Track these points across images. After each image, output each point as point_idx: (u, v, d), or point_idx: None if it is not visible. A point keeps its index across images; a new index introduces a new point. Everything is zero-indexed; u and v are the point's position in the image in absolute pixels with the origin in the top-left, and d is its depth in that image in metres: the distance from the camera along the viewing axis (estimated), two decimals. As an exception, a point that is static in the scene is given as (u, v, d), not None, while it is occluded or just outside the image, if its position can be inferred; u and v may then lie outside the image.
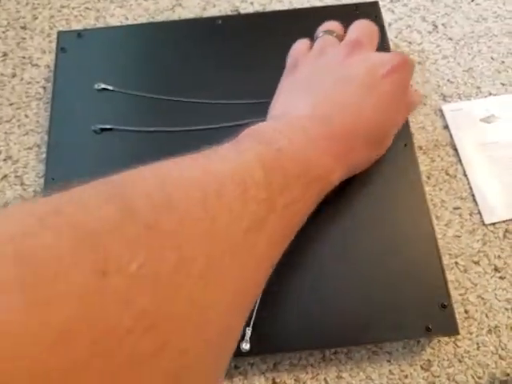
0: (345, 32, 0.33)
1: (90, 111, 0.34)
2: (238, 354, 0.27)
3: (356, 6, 0.37)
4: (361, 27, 0.32)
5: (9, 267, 0.13)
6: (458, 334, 0.29)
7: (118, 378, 0.14)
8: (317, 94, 0.28)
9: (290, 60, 0.33)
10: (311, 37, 0.34)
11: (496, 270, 0.32)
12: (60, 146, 0.34)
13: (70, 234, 0.15)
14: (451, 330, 0.28)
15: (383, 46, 0.36)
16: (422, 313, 0.29)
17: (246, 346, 0.28)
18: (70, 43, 0.37)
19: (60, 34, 0.37)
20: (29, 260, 0.14)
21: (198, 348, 0.17)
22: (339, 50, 0.30)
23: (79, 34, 0.37)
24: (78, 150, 0.34)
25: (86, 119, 0.34)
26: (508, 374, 0.30)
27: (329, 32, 0.32)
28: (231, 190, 0.20)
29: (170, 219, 0.17)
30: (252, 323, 0.28)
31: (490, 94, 0.38)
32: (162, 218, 0.17)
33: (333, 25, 0.33)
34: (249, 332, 0.28)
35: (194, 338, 0.17)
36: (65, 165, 0.33)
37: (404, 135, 0.34)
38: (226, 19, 0.37)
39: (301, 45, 0.33)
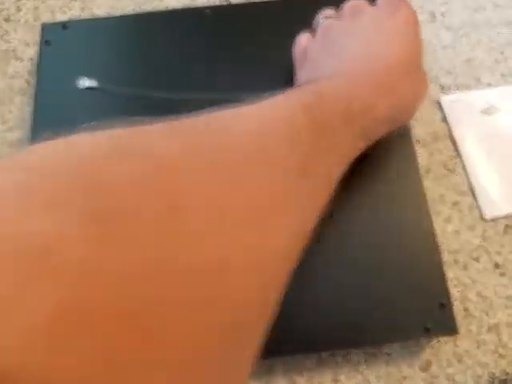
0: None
1: (75, 108, 0.33)
2: None
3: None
4: None
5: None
6: (458, 333, 0.28)
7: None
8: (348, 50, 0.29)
9: (297, 50, 0.32)
10: (306, 27, 0.33)
11: (496, 266, 0.31)
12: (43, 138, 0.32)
13: (145, 162, 0.15)
14: (450, 329, 0.27)
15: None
16: (421, 313, 0.27)
17: None
18: (54, 35, 0.35)
19: (44, 25, 0.35)
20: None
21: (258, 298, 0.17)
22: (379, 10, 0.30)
23: (64, 25, 0.35)
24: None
25: (70, 116, 0.33)
26: (508, 373, 0.29)
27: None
28: (279, 136, 0.20)
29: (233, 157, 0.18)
30: None
31: (490, 85, 0.37)
32: (224, 155, 0.18)
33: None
34: None
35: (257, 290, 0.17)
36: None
37: (402, 128, 0.32)
38: (215, 9, 0.36)
39: (304, 37, 0.32)
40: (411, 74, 0.29)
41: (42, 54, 0.34)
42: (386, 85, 0.27)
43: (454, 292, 0.30)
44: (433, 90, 0.37)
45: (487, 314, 0.30)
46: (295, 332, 0.27)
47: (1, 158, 0.34)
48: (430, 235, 0.30)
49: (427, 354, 0.29)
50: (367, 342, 0.28)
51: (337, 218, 0.30)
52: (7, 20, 0.40)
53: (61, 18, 0.40)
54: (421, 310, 0.27)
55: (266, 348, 0.26)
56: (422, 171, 0.33)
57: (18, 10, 0.41)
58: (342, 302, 0.28)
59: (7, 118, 0.36)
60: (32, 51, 0.38)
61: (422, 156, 0.34)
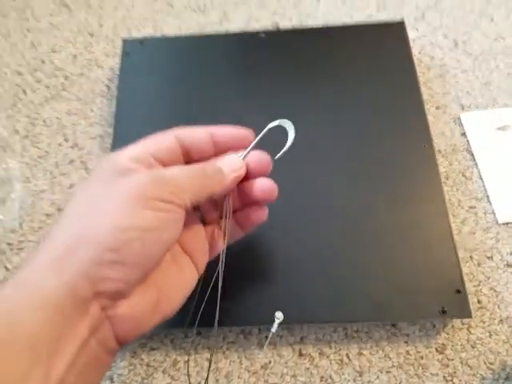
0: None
1: (150, 108, 0.34)
2: (272, 322, 0.27)
3: (385, 24, 0.36)
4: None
5: None
6: (471, 317, 0.27)
7: None
8: None
9: None
10: (341, 53, 0.33)
11: (508, 265, 0.30)
12: (123, 136, 0.33)
13: None
14: (465, 313, 0.27)
15: (407, 60, 0.35)
16: (439, 297, 0.27)
17: (279, 317, 0.27)
18: (133, 49, 0.37)
19: (125, 40, 0.37)
20: None
21: None
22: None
23: (141, 41, 0.37)
24: (140, 135, 0.33)
25: (146, 114, 0.34)
26: (517, 362, 0.28)
27: None
28: None
29: None
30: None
31: (506, 105, 0.36)
32: None
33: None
34: (280, 314, 0.27)
35: None
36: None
37: (424, 137, 0.32)
38: (268, 33, 0.37)
39: None
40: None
41: (122, 63, 0.36)
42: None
43: (469, 286, 0.30)
44: (454, 108, 0.36)
45: (499, 307, 0.29)
46: (326, 305, 0.27)
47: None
48: (448, 233, 0.29)
49: (443, 338, 0.28)
50: (392, 318, 0.28)
51: (370, 216, 0.30)
52: (91, 34, 0.42)
53: (136, 34, 0.42)
54: (440, 294, 0.27)
55: (301, 317, 0.27)
56: (442, 178, 0.33)
57: (100, 26, 0.43)
58: (371, 283, 0.28)
59: (89, 115, 0.38)
60: (111, 61, 0.40)
61: (443, 164, 0.34)
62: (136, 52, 0.37)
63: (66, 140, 0.37)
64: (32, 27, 0.43)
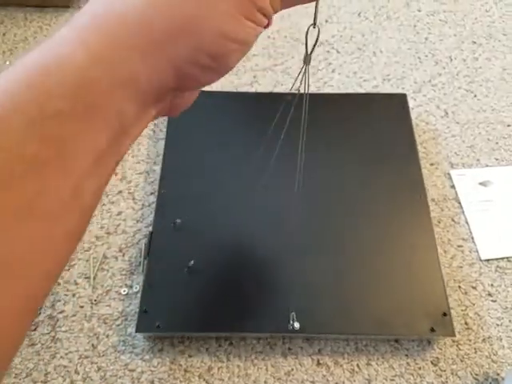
0: None
1: (194, 151, 0.46)
2: (290, 331, 0.36)
3: (390, 95, 0.50)
4: None
5: None
6: (455, 336, 0.37)
7: None
8: None
9: None
10: (352, 116, 0.46)
11: (489, 294, 0.41)
12: (171, 169, 0.44)
13: None
14: (450, 332, 0.37)
15: (407, 125, 0.48)
16: (429, 318, 0.37)
17: (296, 325, 0.36)
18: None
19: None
20: None
21: None
22: None
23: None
24: (185, 171, 0.44)
25: (191, 156, 0.45)
26: (498, 374, 0.37)
27: None
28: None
29: None
30: (293, 308, 0.36)
31: (487, 165, 0.49)
32: None
33: None
34: (292, 314, 0.36)
35: None
36: (174, 181, 0.44)
37: (419, 189, 0.44)
38: (293, 96, 0.49)
39: None
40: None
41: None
42: (160, 42, 0.19)
43: (458, 310, 0.40)
44: (445, 165, 0.49)
45: (482, 329, 0.39)
46: (337, 319, 0.37)
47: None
48: (437, 266, 0.40)
49: (437, 352, 0.38)
50: (392, 334, 0.37)
51: (374, 253, 0.40)
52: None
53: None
54: (429, 316, 0.37)
55: (315, 328, 0.36)
56: (435, 221, 0.44)
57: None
58: (373, 305, 0.38)
59: (136, 153, 0.49)
60: (157, 109, 0.52)
61: (436, 211, 0.45)
62: None
63: (116, 174, 0.47)
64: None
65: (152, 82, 0.19)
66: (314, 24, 0.25)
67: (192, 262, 0.39)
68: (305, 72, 0.30)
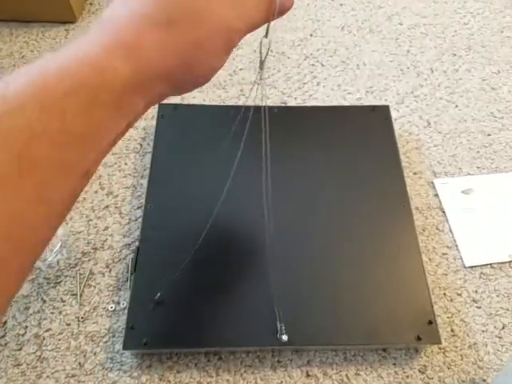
0: None
1: (180, 164, 0.46)
2: (279, 344, 0.37)
3: (373, 107, 0.51)
4: None
5: None
6: (441, 343, 0.38)
7: None
8: None
9: None
10: (337, 128, 0.48)
11: (474, 301, 0.42)
12: (157, 183, 0.45)
13: None
14: (436, 340, 0.38)
15: (390, 136, 0.49)
16: (415, 326, 0.38)
17: (284, 338, 0.37)
18: (167, 112, 0.50)
19: (160, 105, 0.50)
20: None
21: None
22: None
23: (175, 106, 0.50)
24: (171, 185, 0.45)
25: (177, 169, 0.46)
26: (484, 380, 0.38)
27: None
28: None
29: None
30: (282, 320, 0.37)
31: (469, 174, 0.51)
32: None
33: None
34: (281, 326, 0.37)
35: None
36: (161, 196, 0.44)
37: (403, 198, 0.45)
38: (280, 109, 0.51)
39: None
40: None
41: (157, 123, 0.49)
42: (134, 43, 0.22)
43: (444, 317, 0.41)
44: (428, 174, 0.50)
45: (468, 335, 0.40)
46: (325, 330, 0.38)
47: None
48: (422, 274, 0.41)
49: (424, 360, 0.39)
50: (378, 342, 0.38)
51: (359, 262, 0.41)
52: (124, 100, 0.55)
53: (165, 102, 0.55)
54: (415, 324, 0.38)
55: (304, 339, 0.37)
56: (419, 230, 0.46)
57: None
58: (360, 314, 0.38)
59: (123, 167, 0.49)
60: (144, 123, 0.53)
61: (420, 219, 0.47)
62: (170, 115, 0.50)
63: (102, 188, 0.48)
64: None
65: (157, 91, 0.25)
66: (266, 35, 0.29)
67: (158, 295, 0.39)
68: (260, 79, 0.35)
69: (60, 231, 0.45)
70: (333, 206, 0.45)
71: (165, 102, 0.54)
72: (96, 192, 0.48)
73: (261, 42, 0.30)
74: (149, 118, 0.53)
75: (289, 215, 0.44)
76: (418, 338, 0.37)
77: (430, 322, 0.38)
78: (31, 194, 0.20)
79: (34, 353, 0.39)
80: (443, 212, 0.47)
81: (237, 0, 0.25)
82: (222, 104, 0.54)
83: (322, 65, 0.59)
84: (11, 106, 0.19)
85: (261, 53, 0.31)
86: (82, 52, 0.22)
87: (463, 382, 0.38)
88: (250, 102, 0.54)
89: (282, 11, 0.27)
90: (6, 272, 0.20)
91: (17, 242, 0.20)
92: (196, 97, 0.55)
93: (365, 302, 0.39)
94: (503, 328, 0.41)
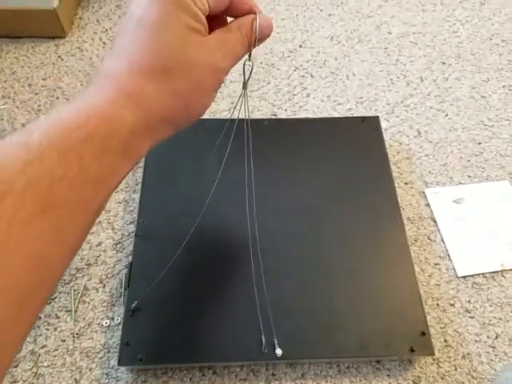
0: None
1: (173, 176, 0.47)
2: (273, 358, 0.37)
3: (363, 118, 0.52)
4: None
5: None
6: (434, 355, 0.38)
7: None
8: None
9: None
10: (327, 139, 0.49)
11: (467, 311, 0.43)
12: (149, 198, 0.46)
13: None
14: (429, 351, 0.38)
15: (381, 146, 0.50)
16: (408, 338, 0.39)
17: (279, 352, 0.37)
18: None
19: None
20: None
21: None
22: None
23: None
24: (163, 200, 0.46)
25: (169, 183, 0.47)
26: (478, 390, 0.39)
27: None
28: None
29: None
30: (275, 334, 0.38)
31: (460, 183, 0.52)
32: None
33: None
34: (275, 341, 0.37)
35: None
36: (153, 210, 0.45)
37: (394, 209, 0.46)
38: (271, 121, 0.52)
39: None
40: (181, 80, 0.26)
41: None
42: (138, 90, 0.25)
43: (437, 328, 0.42)
44: (419, 184, 0.51)
45: (461, 346, 0.41)
46: (319, 344, 0.38)
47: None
48: (415, 285, 0.42)
49: (418, 371, 0.39)
50: (371, 355, 0.39)
51: (350, 274, 0.42)
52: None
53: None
54: (408, 336, 0.39)
55: (298, 353, 0.37)
56: (412, 240, 0.46)
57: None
58: (353, 328, 0.39)
59: (115, 182, 0.50)
60: (135, 138, 0.53)
61: (412, 229, 0.48)
62: None
63: (95, 204, 0.48)
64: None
65: (160, 133, 0.28)
66: (249, 59, 0.31)
67: (135, 303, 0.39)
68: (244, 96, 0.38)
69: (53, 248, 0.46)
70: (323, 218, 0.45)
71: None
72: (88, 207, 0.48)
73: (244, 64, 0.31)
74: (140, 132, 0.53)
75: (278, 227, 0.44)
76: (412, 350, 0.38)
77: (423, 334, 0.39)
78: (51, 233, 0.22)
79: (30, 369, 0.39)
80: (435, 222, 0.48)
81: (222, 40, 0.28)
82: (213, 117, 0.55)
83: (312, 76, 0.60)
84: (35, 155, 0.21)
85: (244, 74, 0.33)
86: (91, 104, 0.24)
87: (457, 392, 0.39)
88: (236, 115, 0.56)
89: (262, 39, 0.30)
90: (25, 311, 0.22)
91: (37, 280, 0.22)
92: (187, 110, 0.56)
93: (357, 314, 0.40)
94: (496, 337, 0.41)
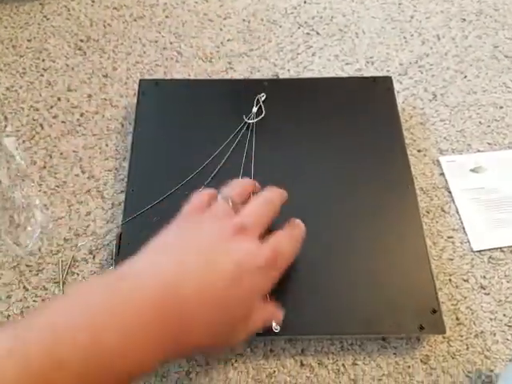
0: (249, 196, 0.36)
1: (163, 143, 0.45)
2: (272, 333, 0.35)
3: (374, 78, 0.49)
4: (255, 207, 0.34)
5: None
6: (445, 333, 0.37)
7: None
8: (175, 261, 0.29)
9: (183, 211, 0.34)
10: (335, 101, 0.46)
11: (482, 287, 0.41)
12: (139, 166, 0.44)
13: None
14: (440, 329, 0.37)
15: (393, 110, 0.47)
16: (417, 315, 0.37)
17: (276, 327, 0.35)
18: (148, 88, 0.48)
19: (141, 81, 0.49)
20: None
21: None
22: (220, 230, 0.31)
23: (156, 82, 0.49)
24: (154, 167, 0.44)
25: (160, 149, 0.45)
26: (492, 370, 0.37)
27: (225, 199, 0.34)
28: None
29: None
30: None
31: (478, 150, 0.49)
32: None
33: (235, 189, 0.35)
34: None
35: None
36: (143, 178, 0.43)
37: (407, 178, 0.44)
38: (270, 81, 0.49)
39: (198, 201, 0.34)
40: (216, 332, 0.29)
41: (139, 101, 0.47)
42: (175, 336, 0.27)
43: (448, 305, 0.40)
44: (433, 152, 0.49)
45: (474, 324, 0.39)
46: (321, 319, 0.37)
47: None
48: (426, 259, 0.40)
49: (426, 350, 0.38)
50: (378, 333, 0.37)
51: (360, 247, 0.40)
52: (105, 76, 0.54)
53: (147, 77, 0.53)
54: (418, 313, 0.37)
55: (297, 329, 0.36)
56: (423, 212, 0.44)
57: (114, 69, 0.54)
58: (360, 303, 0.37)
59: (104, 149, 0.48)
60: (125, 101, 0.51)
61: (424, 200, 0.45)
62: (151, 92, 0.48)
63: (83, 172, 0.47)
64: (48, 67, 0.54)
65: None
66: None
67: None
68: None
69: (40, 217, 0.44)
70: (330, 188, 0.43)
71: (146, 77, 0.54)
72: (77, 175, 0.47)
73: None
74: (130, 95, 0.51)
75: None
76: (421, 328, 0.36)
77: (434, 311, 0.37)
78: None
79: (14, 345, 0.39)
80: (449, 192, 0.46)
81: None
82: (209, 78, 0.52)
83: (318, 33, 0.57)
84: None
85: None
86: None
87: (469, 372, 0.37)
88: (238, 76, 0.53)
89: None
90: None
91: None
92: (180, 71, 0.53)
93: (363, 289, 0.38)
94: (513, 315, 0.40)
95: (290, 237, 0.34)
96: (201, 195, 0.35)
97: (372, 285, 0.38)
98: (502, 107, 0.52)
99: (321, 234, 0.41)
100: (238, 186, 0.36)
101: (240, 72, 0.53)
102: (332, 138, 0.46)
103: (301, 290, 0.38)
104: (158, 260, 0.29)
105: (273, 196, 0.35)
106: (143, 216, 0.41)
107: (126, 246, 0.40)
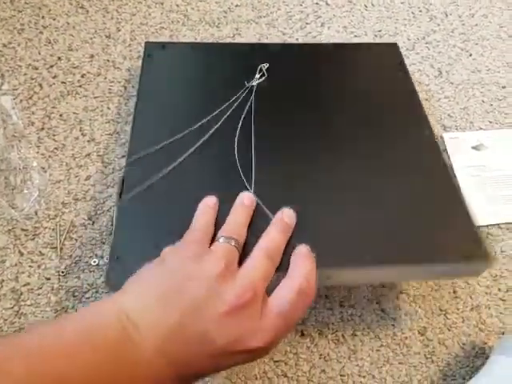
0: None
1: (168, 107, 0.41)
2: None
3: (383, 44, 0.46)
4: (254, 271, 0.28)
5: None
6: (492, 263, 0.32)
7: None
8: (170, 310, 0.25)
9: (181, 249, 0.29)
10: (344, 66, 0.43)
11: (479, 262, 0.39)
12: (142, 130, 0.39)
13: None
14: (487, 257, 0.31)
15: (404, 73, 0.43)
16: (460, 244, 0.32)
17: None
18: (155, 51, 0.43)
19: (147, 43, 0.44)
20: None
21: None
22: (224, 297, 0.25)
23: (163, 45, 0.44)
24: (157, 133, 0.39)
25: (164, 113, 0.40)
26: (485, 343, 0.36)
27: (228, 240, 0.29)
28: None
29: None
30: None
31: (481, 128, 0.46)
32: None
33: (235, 228, 0.31)
34: None
35: None
36: (145, 145, 0.39)
37: (426, 125, 0.39)
38: (276, 46, 0.45)
39: (195, 245, 0.29)
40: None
41: (144, 64, 0.43)
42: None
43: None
44: (437, 127, 0.46)
45: (471, 297, 0.38)
46: (352, 244, 0.32)
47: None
48: (459, 198, 0.35)
49: (424, 322, 0.36)
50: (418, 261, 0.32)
51: (387, 196, 0.35)
52: (108, 37, 0.49)
53: (153, 40, 0.49)
54: (460, 242, 0.32)
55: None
56: (426, 187, 0.41)
57: (118, 30, 0.49)
58: (407, 235, 0.33)
59: (106, 112, 0.44)
60: (128, 64, 0.47)
61: (427, 176, 0.43)
62: (158, 55, 0.43)
63: (83, 134, 0.43)
64: (48, 24, 0.49)
65: None
66: None
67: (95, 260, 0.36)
68: None
69: (37, 180, 0.41)
70: (357, 142, 0.38)
71: (153, 40, 0.49)
72: (77, 138, 0.43)
73: None
74: (134, 58, 0.47)
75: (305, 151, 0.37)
76: (466, 257, 0.31)
77: (476, 241, 0.32)
78: None
79: (12, 308, 0.36)
80: (451, 168, 0.43)
81: None
82: (215, 42, 0.48)
83: (327, 4, 0.52)
84: None
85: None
86: None
87: (464, 344, 0.36)
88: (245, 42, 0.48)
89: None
90: None
91: None
92: (187, 35, 0.49)
93: (406, 223, 0.33)
94: (507, 291, 0.38)
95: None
96: (198, 233, 0.30)
97: (406, 219, 0.33)
98: (504, 87, 0.49)
99: (352, 180, 0.36)
100: (237, 224, 0.31)
101: (247, 38, 0.49)
102: (345, 103, 0.41)
103: (346, 222, 0.33)
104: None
105: (274, 251, 0.30)
106: (144, 185, 0.38)
107: (124, 216, 0.36)
